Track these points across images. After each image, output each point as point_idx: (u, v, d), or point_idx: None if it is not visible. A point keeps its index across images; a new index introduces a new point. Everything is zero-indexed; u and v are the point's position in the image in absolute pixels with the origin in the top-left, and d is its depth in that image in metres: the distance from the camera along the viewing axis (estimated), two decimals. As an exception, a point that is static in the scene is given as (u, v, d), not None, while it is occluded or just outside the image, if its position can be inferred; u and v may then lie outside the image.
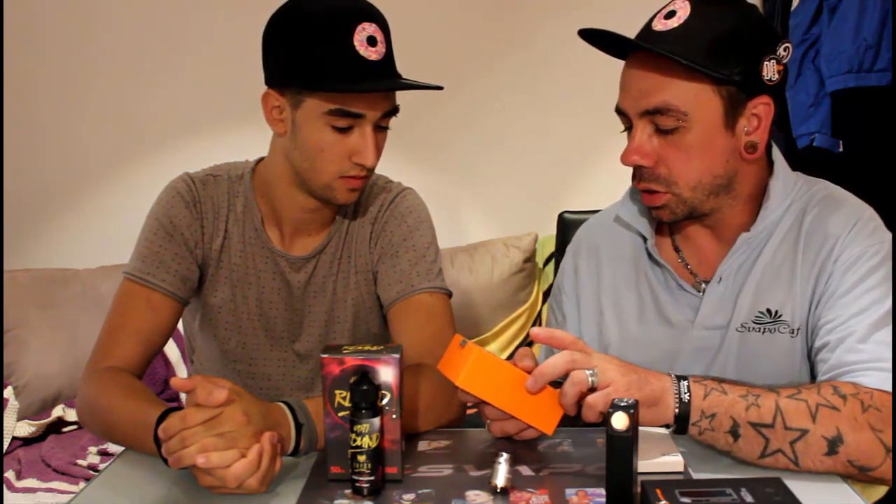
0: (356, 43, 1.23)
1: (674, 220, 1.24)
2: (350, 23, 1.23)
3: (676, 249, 1.31)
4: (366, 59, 1.24)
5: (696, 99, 1.15)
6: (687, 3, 1.16)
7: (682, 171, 1.18)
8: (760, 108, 1.18)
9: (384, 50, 1.26)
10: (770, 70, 1.16)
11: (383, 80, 1.27)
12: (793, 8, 2.52)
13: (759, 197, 1.24)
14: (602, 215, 1.43)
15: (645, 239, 1.32)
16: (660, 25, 1.17)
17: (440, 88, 1.29)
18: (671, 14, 1.16)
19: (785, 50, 1.17)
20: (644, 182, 1.22)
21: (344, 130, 1.26)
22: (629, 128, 1.21)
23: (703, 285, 1.27)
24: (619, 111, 1.22)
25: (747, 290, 1.23)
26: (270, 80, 1.31)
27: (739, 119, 1.17)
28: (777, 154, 1.27)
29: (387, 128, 1.32)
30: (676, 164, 1.18)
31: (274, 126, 1.33)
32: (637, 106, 1.18)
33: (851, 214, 1.21)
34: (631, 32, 1.20)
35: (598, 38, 1.18)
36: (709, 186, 1.20)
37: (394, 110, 1.30)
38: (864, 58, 2.32)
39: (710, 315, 1.25)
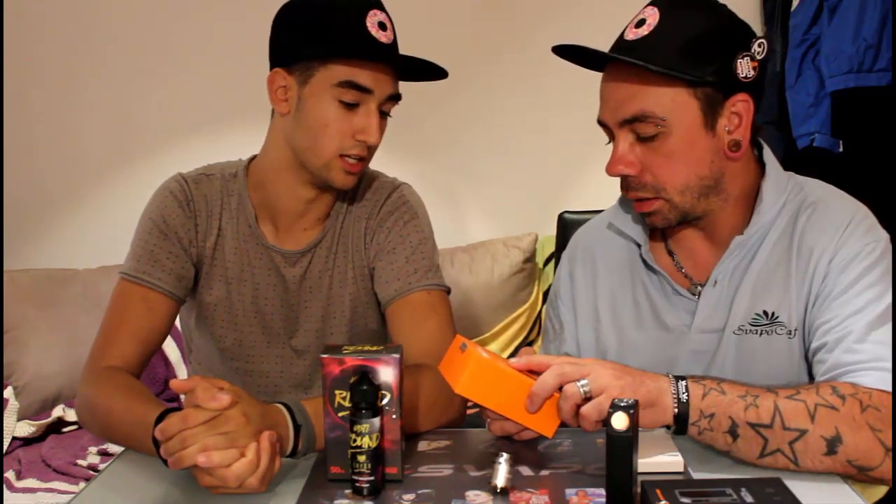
0: (369, 25, 1.28)
1: (667, 225, 1.24)
2: (363, 7, 1.29)
3: (671, 253, 1.32)
4: (378, 41, 1.28)
5: (673, 103, 1.15)
6: (656, 11, 1.16)
7: (668, 176, 1.19)
8: (739, 106, 1.18)
9: (392, 37, 1.32)
10: (745, 67, 1.15)
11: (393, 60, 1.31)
12: (793, 8, 2.52)
13: (751, 199, 1.24)
14: (596, 221, 1.43)
15: (639, 245, 1.32)
16: (631, 35, 1.17)
17: (446, 76, 1.33)
18: (641, 22, 1.17)
19: (759, 46, 1.16)
20: (632, 191, 1.22)
21: (350, 107, 1.29)
22: (613, 139, 1.21)
23: (699, 288, 1.27)
24: (601, 123, 1.22)
25: (743, 292, 1.22)
26: (279, 60, 1.33)
27: (719, 119, 1.17)
28: (769, 155, 1.27)
29: (388, 114, 1.35)
30: (661, 170, 1.18)
31: (278, 106, 1.34)
32: (616, 116, 1.18)
33: (845, 214, 1.21)
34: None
35: (573, 54, 1.20)
36: (697, 189, 1.20)
37: (397, 96, 1.34)
38: (864, 58, 2.31)
39: (707, 319, 1.25)
